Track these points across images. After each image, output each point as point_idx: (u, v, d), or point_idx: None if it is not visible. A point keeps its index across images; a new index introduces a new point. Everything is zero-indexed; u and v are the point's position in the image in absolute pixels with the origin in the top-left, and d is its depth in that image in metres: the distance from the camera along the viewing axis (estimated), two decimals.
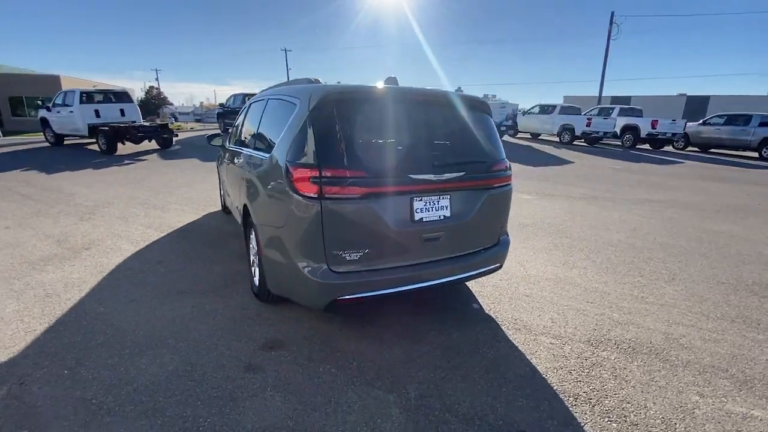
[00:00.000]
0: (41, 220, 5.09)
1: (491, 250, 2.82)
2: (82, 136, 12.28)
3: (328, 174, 2.13)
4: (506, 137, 19.08)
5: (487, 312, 2.98)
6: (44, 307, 2.87)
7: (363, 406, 1.97)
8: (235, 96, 18.45)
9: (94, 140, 12.21)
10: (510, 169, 2.87)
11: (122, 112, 12.58)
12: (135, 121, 12.77)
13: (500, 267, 2.96)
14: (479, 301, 3.14)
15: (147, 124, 13.12)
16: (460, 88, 20.52)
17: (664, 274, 3.77)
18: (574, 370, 2.31)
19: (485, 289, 3.33)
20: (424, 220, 2.42)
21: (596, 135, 16.90)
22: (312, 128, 2.22)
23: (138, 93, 44.50)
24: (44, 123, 13.18)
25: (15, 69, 30.47)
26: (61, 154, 11.51)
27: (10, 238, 4.34)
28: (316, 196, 2.13)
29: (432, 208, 2.45)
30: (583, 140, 17.80)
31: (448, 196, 2.50)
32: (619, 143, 17.84)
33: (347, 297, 2.28)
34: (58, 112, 12.38)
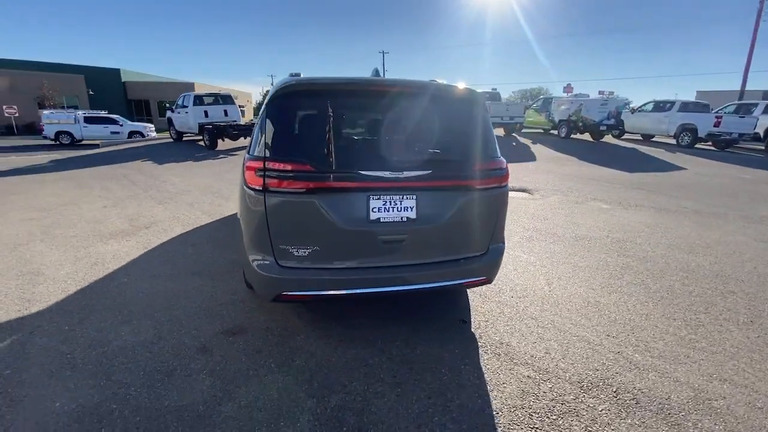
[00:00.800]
0: (131, 202, 6.11)
1: (475, 260, 2.48)
2: (195, 133, 14.42)
3: (272, 167, 2.10)
4: (608, 138, 16.79)
5: (473, 330, 2.64)
6: (87, 273, 3.43)
7: (277, 406, 1.91)
8: None
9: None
10: (502, 169, 2.49)
11: (225, 112, 14.41)
12: (235, 121, 14.52)
13: (488, 281, 2.60)
14: (471, 316, 2.81)
15: (242, 123, 14.80)
16: (495, 88, 18.48)
17: (741, 314, 2.88)
18: (537, 413, 1.90)
19: (486, 304, 2.96)
20: (382, 220, 2.23)
21: (728, 137, 13.79)
22: (267, 122, 2.22)
23: (256, 96, 50.95)
24: (169, 122, 15.86)
25: (162, 78, 37.23)
26: (177, 148, 13.70)
27: (100, 215, 5.29)
28: (261, 188, 2.12)
29: (393, 208, 2.25)
30: (709, 143, 14.72)
31: (414, 197, 2.27)
32: (763, 148, 14.29)
33: (292, 294, 2.23)
34: (178, 113, 14.74)
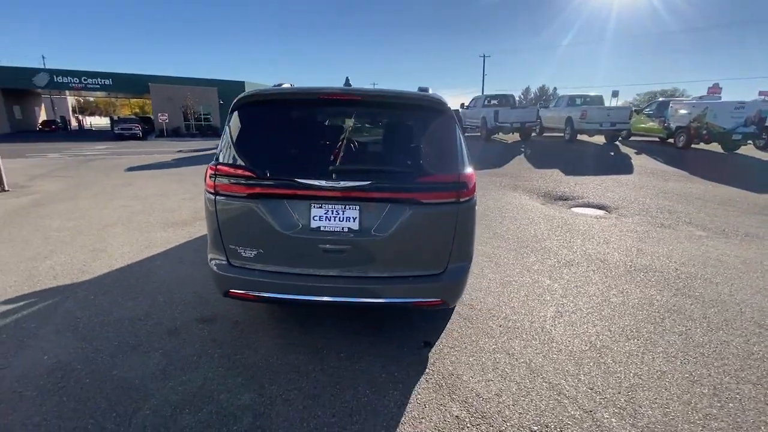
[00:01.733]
0: None
1: (427, 279, 2.30)
2: None
3: (221, 171, 2.26)
4: (747, 149, 13.52)
5: (430, 354, 2.44)
6: (136, 254, 4.10)
7: (194, 394, 2.04)
8: (476, 98, 18.58)
9: None
10: (461, 183, 2.24)
11: None
12: None
13: (445, 304, 2.36)
14: (441, 340, 2.59)
15: None
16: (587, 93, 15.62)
17: None
18: None
19: (464, 329, 2.70)
20: (323, 229, 2.22)
21: None
22: (226, 129, 2.39)
23: None
24: None
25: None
26: None
27: (176, 206, 6.25)
28: (213, 191, 2.29)
29: (334, 217, 2.22)
30: None
31: (358, 207, 2.21)
32: None
33: (238, 291, 2.35)
34: None
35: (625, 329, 2.73)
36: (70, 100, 49.61)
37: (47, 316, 2.82)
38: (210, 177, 2.29)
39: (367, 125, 2.41)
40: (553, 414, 1.94)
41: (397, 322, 2.77)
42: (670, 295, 3.24)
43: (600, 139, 15.20)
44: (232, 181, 2.23)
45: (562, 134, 15.78)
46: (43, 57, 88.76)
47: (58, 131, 34.77)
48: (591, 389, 2.13)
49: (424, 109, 2.37)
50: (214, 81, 35.87)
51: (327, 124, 2.40)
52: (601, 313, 2.94)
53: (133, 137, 25.89)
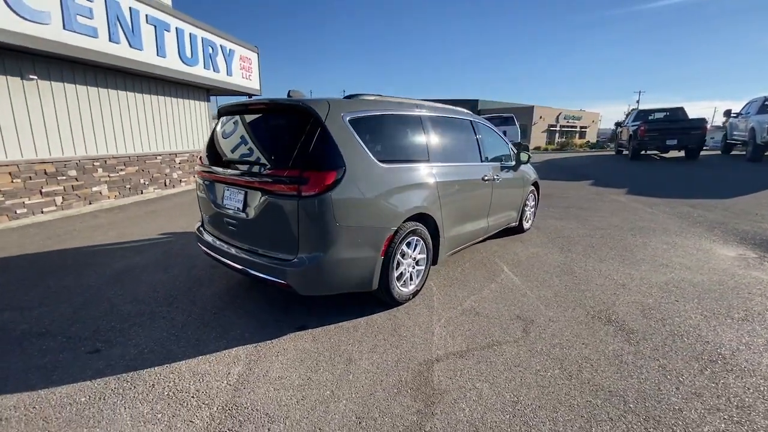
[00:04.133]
0: None
1: (278, 262, 2.56)
2: None
3: (199, 160, 3.32)
4: None
5: (282, 339, 2.50)
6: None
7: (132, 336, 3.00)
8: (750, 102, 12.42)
9: None
10: (306, 179, 2.40)
11: (505, 133, 14.96)
12: (516, 142, 14.83)
13: (289, 287, 2.52)
14: (321, 329, 2.57)
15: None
16: None
17: None
18: None
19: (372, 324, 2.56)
20: (226, 206, 2.87)
21: None
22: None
23: (614, 116, 46.55)
24: None
25: (507, 103, 41.36)
26: None
27: None
28: (196, 174, 3.38)
29: (232, 198, 2.83)
30: None
31: (244, 192, 2.71)
32: None
33: (200, 246, 3.27)
34: None
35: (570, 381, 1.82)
36: None
37: (147, 252, 4.57)
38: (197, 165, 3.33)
39: (261, 127, 2.91)
40: None
41: (297, 305, 2.89)
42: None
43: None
44: (197, 167, 3.25)
45: None
46: None
47: None
48: None
49: (293, 113, 2.67)
50: (447, 101, 39.28)
51: (242, 126, 3.00)
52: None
53: None
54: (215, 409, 1.96)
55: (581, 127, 44.24)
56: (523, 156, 4.70)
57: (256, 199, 2.62)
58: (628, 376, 2.20)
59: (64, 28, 5.62)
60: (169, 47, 7.76)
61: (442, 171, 3.34)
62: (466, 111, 4.17)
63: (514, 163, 4.69)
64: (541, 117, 38.31)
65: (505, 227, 4.83)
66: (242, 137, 2.95)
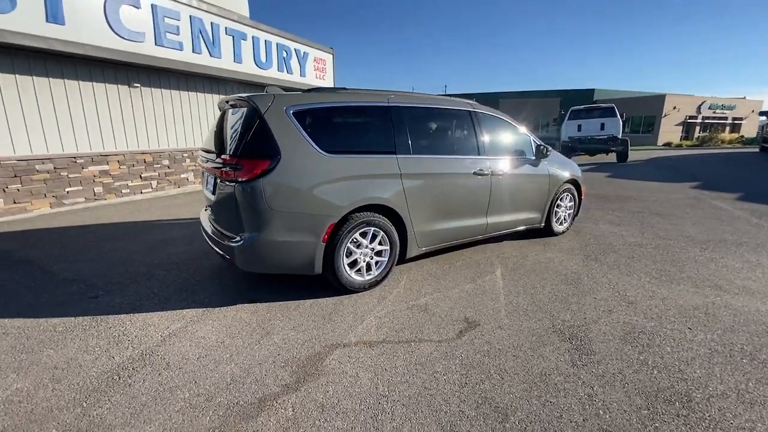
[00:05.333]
0: None
1: (231, 240, 2.85)
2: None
3: None
4: None
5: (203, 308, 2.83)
6: None
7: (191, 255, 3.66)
8: None
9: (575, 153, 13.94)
10: (240, 166, 2.63)
11: (602, 126, 13.15)
12: (613, 135, 12.94)
13: (234, 263, 2.81)
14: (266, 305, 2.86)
15: (600, 137, 12.85)
16: None
17: None
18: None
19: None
20: (206, 191, 3.33)
21: None
22: None
23: None
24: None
25: (632, 92, 35.87)
26: None
27: None
28: None
29: (208, 183, 3.25)
30: None
31: (213, 178, 3.06)
32: None
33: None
34: (564, 126, 15.13)
35: None
36: None
37: (173, 231, 5.38)
38: None
39: (228, 120, 3.08)
40: None
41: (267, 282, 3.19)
42: None
43: None
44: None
45: None
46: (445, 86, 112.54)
47: None
48: None
49: (244, 106, 2.87)
50: (559, 91, 35.76)
51: (221, 119, 3.22)
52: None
53: None
54: (136, 352, 2.32)
55: (734, 119, 35.90)
56: (537, 150, 4.21)
57: (216, 184, 2.95)
58: (535, 397, 1.90)
59: (155, 44, 6.93)
60: (245, 54, 8.85)
61: (412, 163, 3.22)
62: (465, 101, 3.89)
63: (533, 157, 4.21)
64: (675, 107, 32.32)
65: (524, 228, 4.38)
66: (217, 129, 3.27)
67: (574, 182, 4.73)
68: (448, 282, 3.34)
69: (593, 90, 35.22)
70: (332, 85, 12.38)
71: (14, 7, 5.23)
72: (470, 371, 2.11)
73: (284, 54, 10.00)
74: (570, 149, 12.77)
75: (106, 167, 6.96)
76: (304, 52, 10.74)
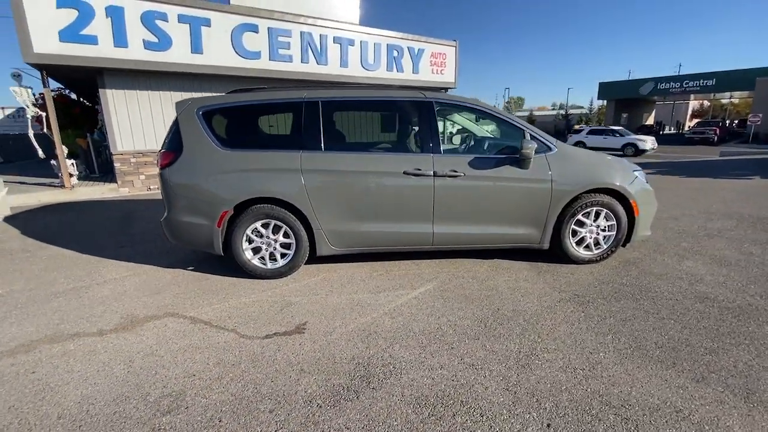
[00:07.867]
0: None
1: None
2: None
3: None
4: None
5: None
6: None
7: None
8: None
9: None
10: (160, 157, 3.22)
11: None
12: None
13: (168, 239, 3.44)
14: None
15: None
16: None
17: None
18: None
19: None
20: None
21: None
22: None
23: None
24: None
25: None
26: None
27: None
28: None
29: None
30: None
31: None
32: None
33: None
34: None
35: None
36: (692, 105, 46.32)
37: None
38: None
39: None
40: None
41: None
42: None
43: None
44: None
45: None
46: (680, 65, 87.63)
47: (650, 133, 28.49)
48: None
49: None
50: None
51: None
52: None
53: (705, 141, 22.80)
54: (69, 287, 3.19)
55: None
56: (526, 148, 3.11)
57: None
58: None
59: (269, 59, 8.46)
60: (352, 58, 9.67)
61: (319, 159, 3.14)
62: (422, 94, 3.35)
63: (525, 156, 3.14)
64: None
65: (511, 246, 3.48)
66: None
67: (614, 193, 3.38)
68: (354, 287, 3.10)
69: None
70: (452, 80, 12.06)
71: (171, 46, 7.46)
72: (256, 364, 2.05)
73: (395, 53, 10.37)
74: None
75: None
76: (418, 49, 10.86)
